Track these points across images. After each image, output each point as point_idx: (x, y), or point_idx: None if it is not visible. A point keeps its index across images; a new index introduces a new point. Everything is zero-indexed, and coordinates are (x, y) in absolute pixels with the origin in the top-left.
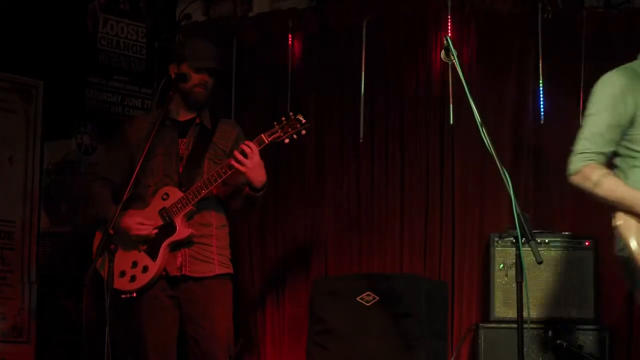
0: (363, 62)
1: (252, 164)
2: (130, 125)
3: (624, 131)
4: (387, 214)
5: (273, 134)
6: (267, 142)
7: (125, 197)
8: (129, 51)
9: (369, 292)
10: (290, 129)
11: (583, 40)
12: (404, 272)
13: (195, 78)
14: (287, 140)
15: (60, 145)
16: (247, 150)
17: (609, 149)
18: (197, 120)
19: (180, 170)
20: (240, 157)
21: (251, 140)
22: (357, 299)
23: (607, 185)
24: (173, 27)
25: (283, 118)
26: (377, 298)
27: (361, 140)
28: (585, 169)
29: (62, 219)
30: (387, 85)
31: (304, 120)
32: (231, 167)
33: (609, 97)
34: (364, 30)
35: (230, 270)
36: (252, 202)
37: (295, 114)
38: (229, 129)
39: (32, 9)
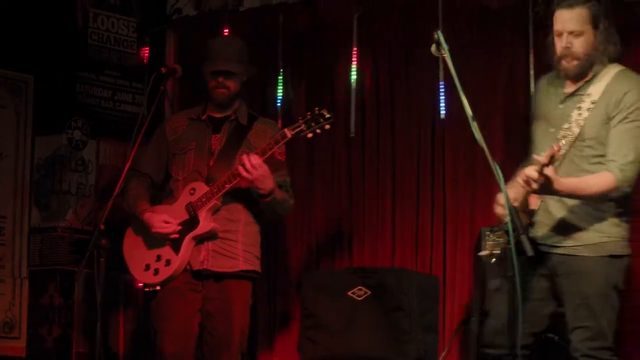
0: (354, 56)
1: (257, 174)
2: (168, 122)
3: None
4: (378, 207)
5: (296, 128)
6: (289, 136)
7: (115, 192)
8: (120, 46)
9: (360, 287)
10: (313, 123)
11: None
12: (395, 266)
13: (211, 80)
14: (310, 135)
15: (50, 140)
16: (247, 165)
17: None
18: (232, 117)
19: (211, 164)
20: (243, 168)
21: (276, 132)
22: (349, 293)
23: None
24: (163, 22)
25: (308, 113)
26: (369, 292)
27: (352, 135)
28: None
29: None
30: (378, 79)
31: (327, 115)
32: (237, 175)
33: None
34: (355, 24)
35: (256, 268)
36: (268, 206)
37: (320, 109)
38: (266, 128)
39: (22, 3)
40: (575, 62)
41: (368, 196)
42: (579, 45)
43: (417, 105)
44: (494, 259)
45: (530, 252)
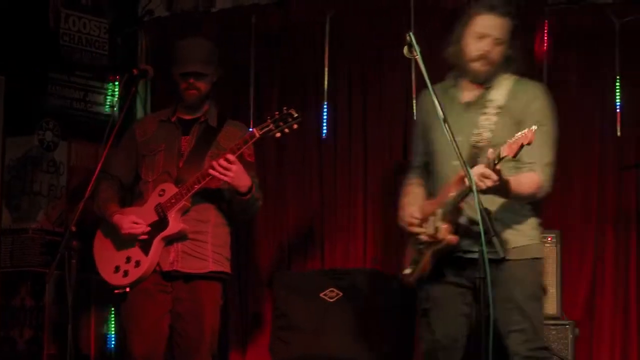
0: (326, 57)
1: (232, 173)
2: (138, 123)
3: None
4: (350, 209)
5: (264, 127)
6: (258, 136)
7: (87, 194)
8: (91, 47)
9: (332, 289)
10: (281, 123)
11: (546, 36)
12: (367, 267)
13: (181, 82)
14: (278, 134)
15: (22, 141)
16: (224, 164)
17: None
18: (202, 119)
19: (180, 165)
20: (221, 166)
21: (244, 132)
22: (320, 295)
23: None
24: (135, 23)
25: (276, 112)
26: (340, 294)
27: (324, 137)
28: None
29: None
30: (350, 80)
31: (295, 115)
32: (209, 175)
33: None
34: (327, 25)
35: (225, 269)
36: (244, 206)
37: (288, 109)
38: (235, 130)
39: None
40: (488, 67)
41: (340, 197)
42: (497, 53)
43: (389, 106)
44: (415, 278)
45: (503, 253)
